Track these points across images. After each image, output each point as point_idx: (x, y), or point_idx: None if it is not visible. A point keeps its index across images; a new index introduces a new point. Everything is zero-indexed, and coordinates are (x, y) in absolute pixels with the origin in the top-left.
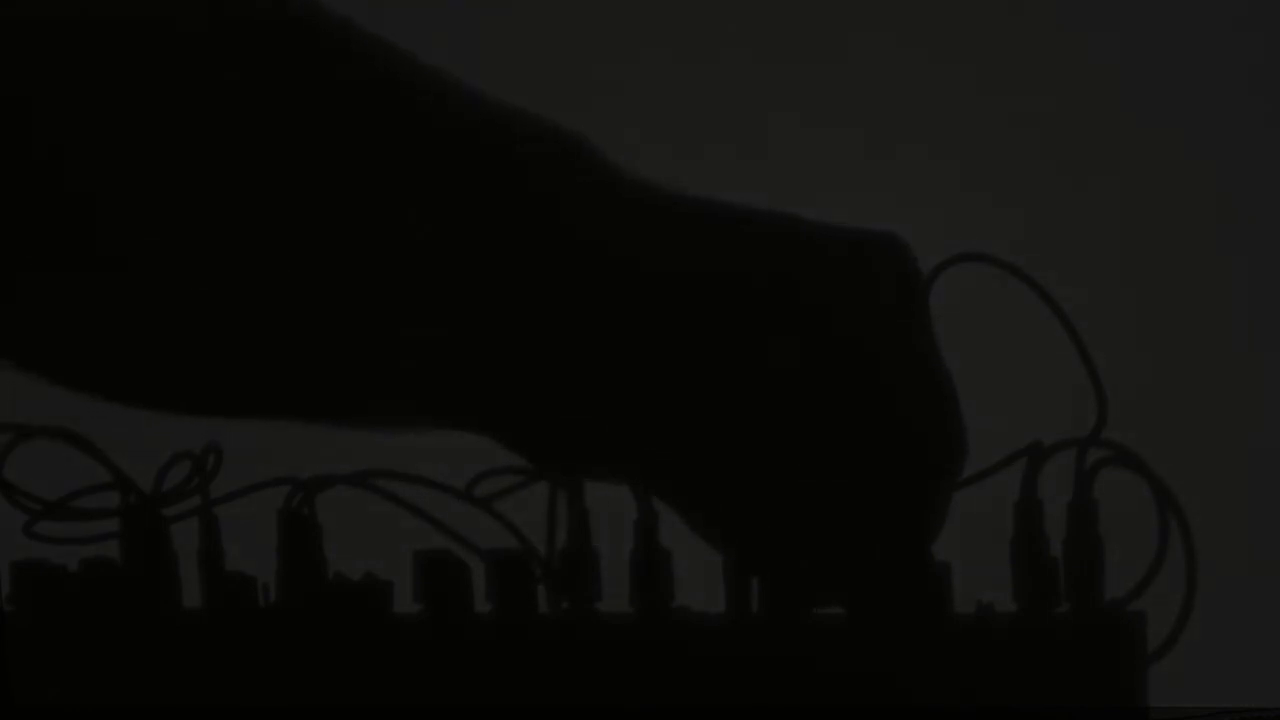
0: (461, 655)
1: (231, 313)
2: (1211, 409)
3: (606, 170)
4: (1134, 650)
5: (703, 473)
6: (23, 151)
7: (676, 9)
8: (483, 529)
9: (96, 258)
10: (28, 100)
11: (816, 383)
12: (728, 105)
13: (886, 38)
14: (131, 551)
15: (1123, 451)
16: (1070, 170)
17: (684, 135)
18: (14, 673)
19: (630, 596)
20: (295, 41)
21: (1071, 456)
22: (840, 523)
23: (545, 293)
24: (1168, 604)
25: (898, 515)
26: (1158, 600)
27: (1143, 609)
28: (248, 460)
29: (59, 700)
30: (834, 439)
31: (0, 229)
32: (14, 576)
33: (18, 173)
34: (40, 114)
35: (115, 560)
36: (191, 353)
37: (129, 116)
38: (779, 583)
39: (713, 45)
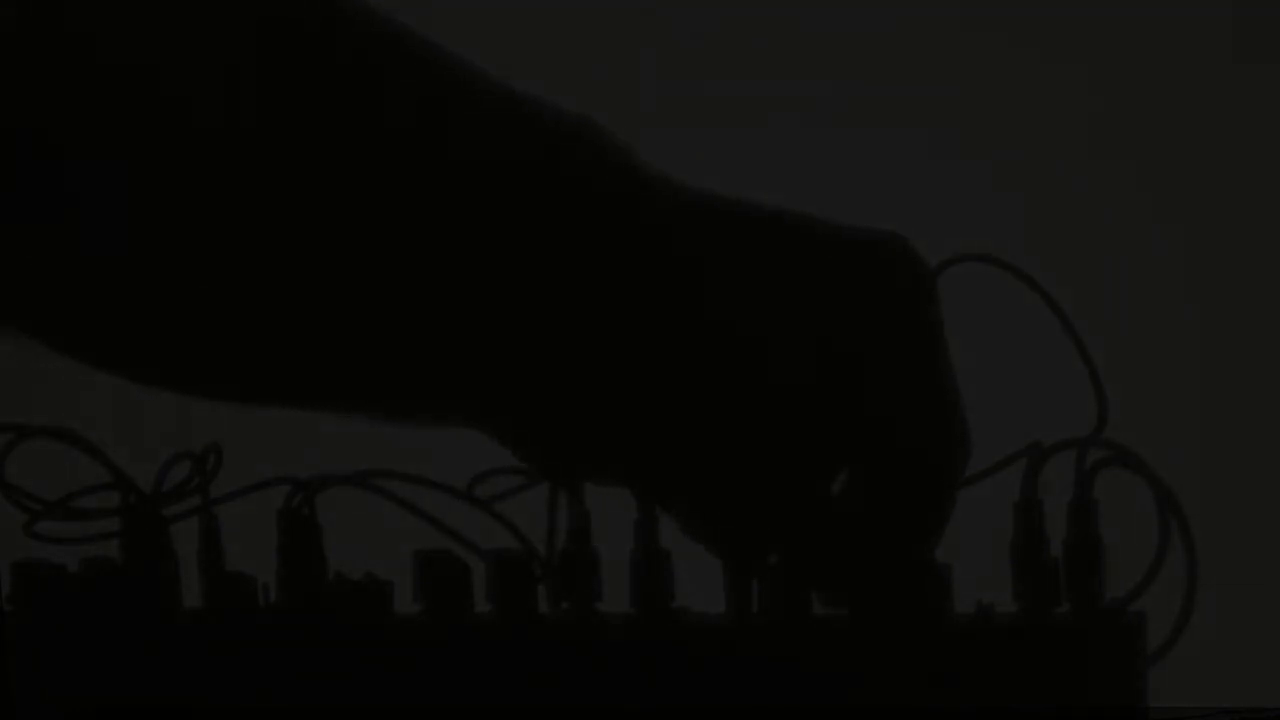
0: (461, 655)
1: (238, 303)
2: (1211, 409)
3: (625, 160)
4: (1134, 650)
5: (704, 478)
6: None
7: (681, 7)
8: (483, 529)
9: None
10: None
11: (822, 385)
12: (728, 105)
13: (886, 38)
14: (131, 551)
15: (1123, 451)
16: (1071, 169)
17: (686, 133)
18: (14, 673)
19: (630, 596)
20: (296, 30)
21: (1071, 456)
22: (842, 524)
23: (549, 294)
24: (1168, 604)
25: (901, 516)
26: (1158, 600)
27: (1143, 609)
28: (248, 460)
29: (59, 700)
30: (838, 441)
31: None
32: (14, 576)
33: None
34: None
35: (115, 560)
36: (200, 338)
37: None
38: (780, 585)
39: (713, 44)
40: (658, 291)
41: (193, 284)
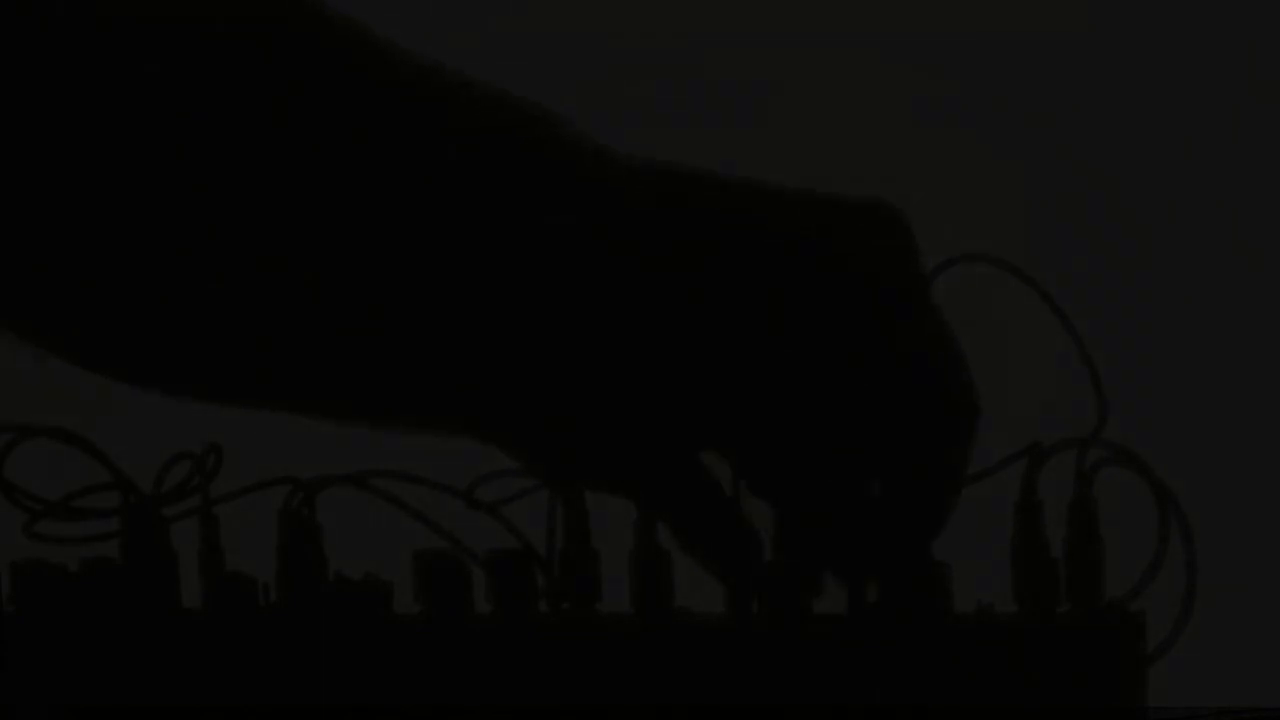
0: (461, 655)
1: (236, 308)
2: (1211, 409)
3: (600, 153)
4: (1134, 650)
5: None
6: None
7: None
8: (483, 528)
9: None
10: None
11: (824, 381)
12: (719, 96)
13: (885, 34)
14: (131, 551)
15: (1123, 451)
16: (1071, 169)
17: (674, 125)
18: (14, 673)
19: (630, 596)
20: (282, 36)
21: (1071, 456)
22: (850, 510)
23: (546, 298)
24: (1168, 604)
25: (909, 494)
26: (1158, 600)
27: (1143, 609)
28: (248, 460)
29: (59, 700)
30: (846, 429)
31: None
32: (14, 576)
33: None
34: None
35: (115, 560)
36: (192, 340)
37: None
38: (780, 585)
39: (704, 35)
40: (647, 287)
41: (188, 286)
